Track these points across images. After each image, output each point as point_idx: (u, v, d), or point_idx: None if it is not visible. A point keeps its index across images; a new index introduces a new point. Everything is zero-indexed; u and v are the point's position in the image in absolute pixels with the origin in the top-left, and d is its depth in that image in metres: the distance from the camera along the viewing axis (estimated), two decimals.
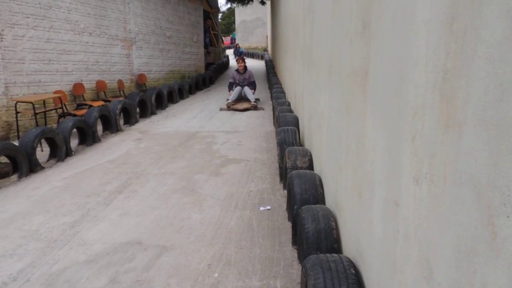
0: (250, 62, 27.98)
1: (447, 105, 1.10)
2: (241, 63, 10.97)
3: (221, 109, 10.19)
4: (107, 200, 4.41)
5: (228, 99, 10.49)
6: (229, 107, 10.16)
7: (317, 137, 3.86)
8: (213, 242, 3.43)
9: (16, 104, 6.94)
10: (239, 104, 10.31)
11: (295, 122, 5.74)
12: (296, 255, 3.15)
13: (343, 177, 2.53)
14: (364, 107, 1.99)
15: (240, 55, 31.81)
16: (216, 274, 2.94)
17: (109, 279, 2.91)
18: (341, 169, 2.59)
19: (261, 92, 13.80)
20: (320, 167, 3.59)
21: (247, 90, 10.65)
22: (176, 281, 2.86)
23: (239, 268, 3.01)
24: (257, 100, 11.06)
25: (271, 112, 9.49)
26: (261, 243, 3.39)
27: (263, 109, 10.15)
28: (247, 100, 10.62)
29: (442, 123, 1.13)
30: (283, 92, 9.63)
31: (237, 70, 11.02)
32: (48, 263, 3.14)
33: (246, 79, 10.89)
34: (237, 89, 10.64)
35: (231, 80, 11.03)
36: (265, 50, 34.41)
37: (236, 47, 31.62)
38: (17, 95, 7.37)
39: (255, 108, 10.21)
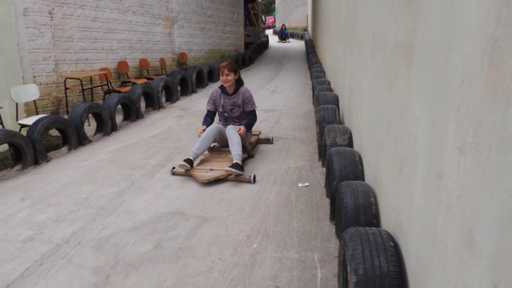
0: (291, 43, 27.52)
1: (496, 72, 1.09)
2: (228, 74, 4.80)
3: (173, 173, 4.51)
4: (151, 172, 4.59)
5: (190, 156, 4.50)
6: (188, 172, 4.42)
7: (357, 115, 3.84)
8: (252, 215, 3.52)
9: (65, 80, 7.25)
10: (206, 165, 4.56)
11: (335, 100, 5.71)
12: (334, 230, 3.19)
13: (384, 152, 2.53)
14: (408, 81, 1.98)
15: (285, 38, 29.44)
16: (255, 245, 3.03)
17: (153, 245, 3.06)
18: (382, 145, 2.59)
19: (300, 72, 13.71)
20: (360, 145, 3.59)
21: (231, 133, 4.60)
22: (217, 250, 2.97)
23: (277, 240, 3.09)
24: (268, 140, 5.63)
25: (310, 94, 9.44)
26: (299, 217, 3.45)
27: (253, 182, 4.23)
28: (228, 153, 4.78)
29: (490, 91, 1.12)
30: (323, 72, 9.53)
31: (221, 88, 5.02)
32: (97, 228, 3.34)
33: (237, 106, 4.97)
34: (211, 129, 4.68)
35: (209, 108, 5.06)
36: (305, 30, 33.89)
37: (282, 29, 29.39)
38: (65, 72, 7.69)
39: (237, 176, 4.27)
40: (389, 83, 2.41)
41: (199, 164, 4.55)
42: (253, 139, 5.33)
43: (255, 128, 5.84)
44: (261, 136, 5.66)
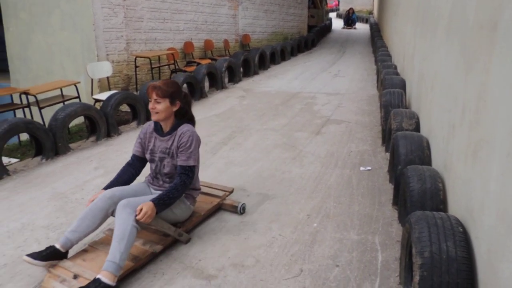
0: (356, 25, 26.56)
1: None
2: (157, 101, 2.68)
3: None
4: (214, 149, 4.73)
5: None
6: (50, 267, 2.45)
7: (427, 99, 3.70)
8: (313, 195, 3.54)
9: (135, 59, 7.58)
10: (84, 258, 2.52)
11: (402, 84, 5.53)
12: (396, 215, 3.14)
13: (456, 137, 2.43)
14: (489, 61, 1.88)
15: (352, 24, 26.59)
16: (315, 224, 3.06)
17: (216, 217, 3.19)
18: (454, 129, 2.49)
19: (364, 56, 13.32)
20: (428, 130, 3.47)
21: (118, 216, 2.43)
22: (277, 226, 3.03)
23: (338, 222, 3.09)
24: (235, 209, 3.23)
25: (374, 79, 9.18)
26: (360, 201, 3.42)
27: None
28: (149, 232, 2.82)
29: None
30: (389, 55, 9.23)
31: (156, 123, 2.87)
32: None
33: (169, 155, 2.80)
34: (101, 201, 2.56)
35: (135, 151, 2.98)
36: (370, 13, 32.73)
37: (349, 13, 25.50)
38: (135, 50, 8.02)
39: None
40: (467, 64, 2.30)
41: (79, 254, 2.59)
42: (203, 205, 3.14)
43: (218, 181, 3.68)
44: (227, 201, 3.30)
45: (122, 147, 4.88)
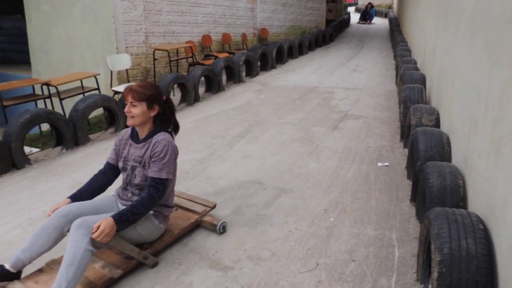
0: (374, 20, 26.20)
1: None
2: (133, 104, 2.45)
3: None
4: (231, 143, 4.74)
5: None
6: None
7: (448, 94, 3.64)
8: (330, 190, 3.53)
9: (154, 52, 7.63)
10: (35, 280, 2.26)
11: (422, 80, 5.45)
12: (414, 211, 3.11)
13: (478, 133, 2.39)
14: None
15: (368, 19, 25.54)
16: (331, 219, 3.05)
17: (233, 210, 3.20)
18: (476, 126, 2.45)
19: (383, 51, 13.16)
20: (449, 126, 3.42)
21: (71, 236, 2.15)
22: (294, 220, 3.04)
23: (355, 217, 3.08)
24: (214, 227, 2.87)
25: (393, 74, 9.07)
26: (378, 196, 3.40)
27: None
28: (112, 254, 2.52)
29: None
30: (408, 51, 9.11)
31: (133, 129, 2.64)
32: (182, 189, 3.54)
33: (140, 164, 2.51)
34: (58, 217, 2.28)
35: (109, 158, 2.70)
36: (390, 7, 32.27)
37: (367, 8, 24.47)
38: (154, 43, 8.07)
39: None
40: (491, 60, 2.26)
41: (33, 274, 2.32)
42: (178, 222, 2.84)
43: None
44: (207, 218, 2.93)
45: None
